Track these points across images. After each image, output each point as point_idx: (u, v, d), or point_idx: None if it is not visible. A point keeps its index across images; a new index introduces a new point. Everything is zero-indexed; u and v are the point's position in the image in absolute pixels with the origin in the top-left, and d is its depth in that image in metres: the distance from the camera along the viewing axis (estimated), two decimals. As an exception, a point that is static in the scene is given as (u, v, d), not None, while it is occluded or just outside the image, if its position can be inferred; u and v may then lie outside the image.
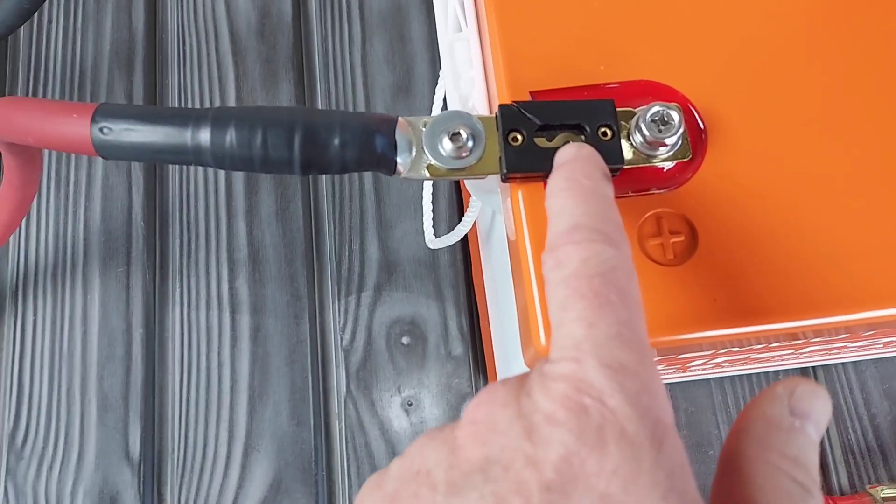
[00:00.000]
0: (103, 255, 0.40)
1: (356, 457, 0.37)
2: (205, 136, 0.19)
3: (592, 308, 0.15)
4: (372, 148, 0.19)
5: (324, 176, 0.41)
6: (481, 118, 0.20)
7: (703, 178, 0.20)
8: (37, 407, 0.37)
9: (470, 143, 0.19)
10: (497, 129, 0.20)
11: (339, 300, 0.39)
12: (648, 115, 0.19)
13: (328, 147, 0.19)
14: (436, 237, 0.35)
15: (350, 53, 0.43)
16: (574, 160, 0.18)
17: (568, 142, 0.20)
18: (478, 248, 0.39)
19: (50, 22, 0.43)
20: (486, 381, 0.38)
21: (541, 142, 0.20)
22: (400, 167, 0.20)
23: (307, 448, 0.37)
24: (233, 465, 0.37)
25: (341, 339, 0.39)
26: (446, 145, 0.19)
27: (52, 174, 0.41)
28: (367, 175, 0.41)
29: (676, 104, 0.20)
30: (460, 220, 0.38)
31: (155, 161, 0.19)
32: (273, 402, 0.38)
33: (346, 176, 0.41)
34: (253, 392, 0.38)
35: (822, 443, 0.38)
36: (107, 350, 0.38)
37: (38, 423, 0.37)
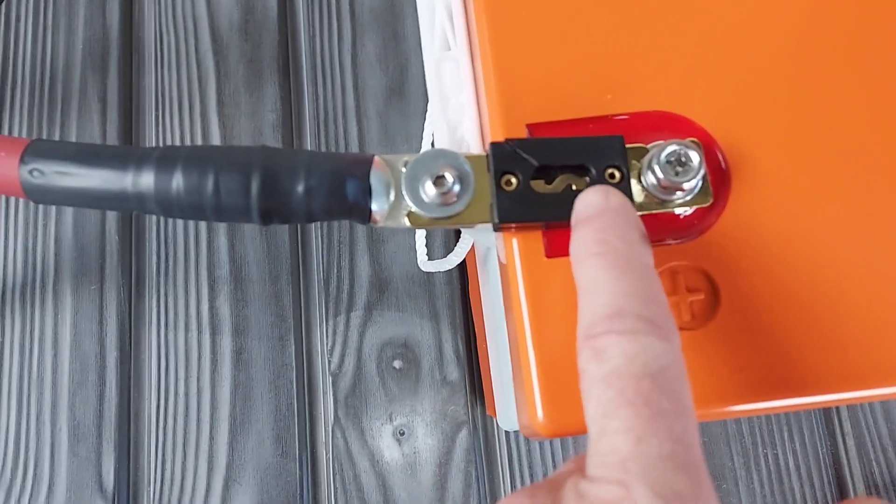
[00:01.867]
0: (75, 271, 0.37)
1: (344, 490, 0.35)
2: (147, 180, 0.16)
3: (641, 418, 0.13)
4: (342, 195, 0.17)
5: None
6: (470, 158, 0.17)
7: (726, 226, 0.17)
8: (4, 436, 0.35)
9: (456, 188, 0.17)
10: (488, 170, 0.17)
11: (326, 320, 0.37)
12: (663, 154, 0.17)
13: (291, 195, 0.16)
14: (429, 258, 0.32)
15: (340, 53, 0.41)
16: (604, 214, 0.15)
17: (570, 185, 0.17)
18: (475, 264, 0.37)
19: (18, 19, 0.41)
20: (483, 409, 0.36)
21: (538, 185, 0.17)
22: (376, 216, 0.17)
23: (292, 480, 0.35)
24: (212, 499, 0.35)
25: (329, 362, 0.36)
26: (429, 190, 0.17)
27: (22, 184, 0.38)
28: (358, 185, 0.38)
29: (695, 140, 0.17)
30: (457, 237, 0.35)
31: (94, 208, 0.17)
32: (256, 430, 0.35)
33: (334, 185, 0.38)
34: (234, 420, 0.36)
35: (843, 475, 0.35)
36: (79, 375, 0.36)
37: (5, 453, 0.35)
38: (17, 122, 0.39)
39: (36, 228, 0.38)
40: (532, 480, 0.35)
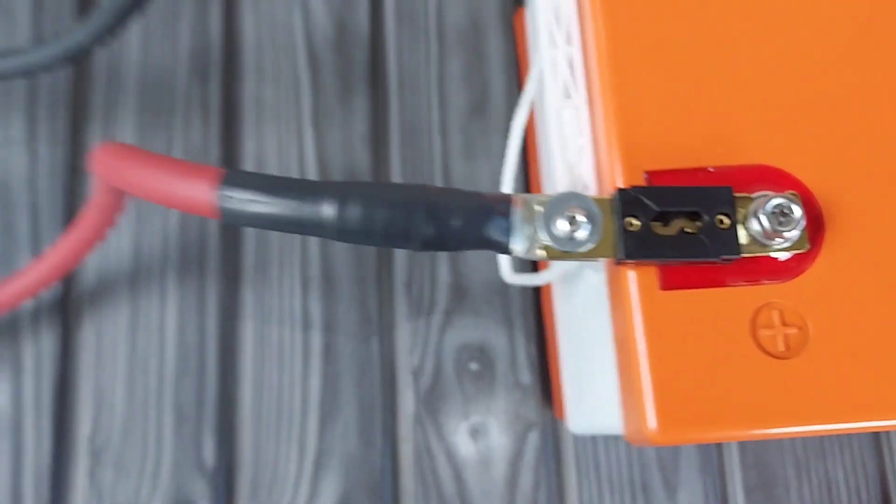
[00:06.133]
0: (179, 266, 0.41)
1: (423, 480, 0.38)
2: (329, 212, 0.19)
3: None
4: (489, 230, 0.20)
5: (396, 195, 0.42)
6: (597, 200, 0.20)
7: (819, 270, 0.20)
8: (114, 416, 0.39)
9: (587, 227, 0.20)
10: (613, 212, 0.20)
11: (409, 322, 0.40)
12: (768, 206, 0.20)
13: (447, 229, 0.19)
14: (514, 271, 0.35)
15: (426, 71, 0.43)
16: None
17: (683, 228, 0.20)
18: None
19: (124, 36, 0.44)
20: (553, 412, 0.39)
21: (656, 227, 0.20)
22: (515, 248, 0.20)
23: (375, 469, 0.38)
24: (303, 482, 0.38)
25: (410, 361, 0.40)
26: (562, 228, 0.20)
27: (131, 183, 0.42)
28: (440, 196, 0.41)
29: (797, 195, 0.20)
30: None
31: (274, 230, 0.20)
32: (343, 421, 0.39)
33: (418, 196, 0.41)
34: (323, 410, 0.39)
35: (888, 490, 0.38)
36: (182, 362, 0.39)
37: (116, 432, 0.39)
38: (124, 126, 0.43)
39: (144, 225, 0.41)
40: (598, 480, 0.38)
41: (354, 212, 0.19)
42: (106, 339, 0.40)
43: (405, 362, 0.40)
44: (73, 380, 0.39)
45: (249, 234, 0.41)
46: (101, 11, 0.32)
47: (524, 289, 0.40)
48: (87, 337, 0.40)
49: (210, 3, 0.44)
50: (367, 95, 0.43)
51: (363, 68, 0.44)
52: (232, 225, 0.21)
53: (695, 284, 0.20)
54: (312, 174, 0.42)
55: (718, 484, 0.38)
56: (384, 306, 0.40)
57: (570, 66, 0.23)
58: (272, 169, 0.42)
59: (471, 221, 0.19)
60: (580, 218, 0.20)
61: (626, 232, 0.20)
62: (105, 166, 0.23)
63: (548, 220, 0.20)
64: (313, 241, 0.41)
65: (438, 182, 0.42)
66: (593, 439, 0.39)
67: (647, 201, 0.20)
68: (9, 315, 0.40)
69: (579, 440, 0.39)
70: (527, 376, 0.39)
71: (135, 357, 0.40)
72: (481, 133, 0.43)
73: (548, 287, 0.39)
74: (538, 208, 0.20)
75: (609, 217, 0.20)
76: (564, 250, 0.20)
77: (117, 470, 0.38)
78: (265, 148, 0.42)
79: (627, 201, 0.20)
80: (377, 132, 0.43)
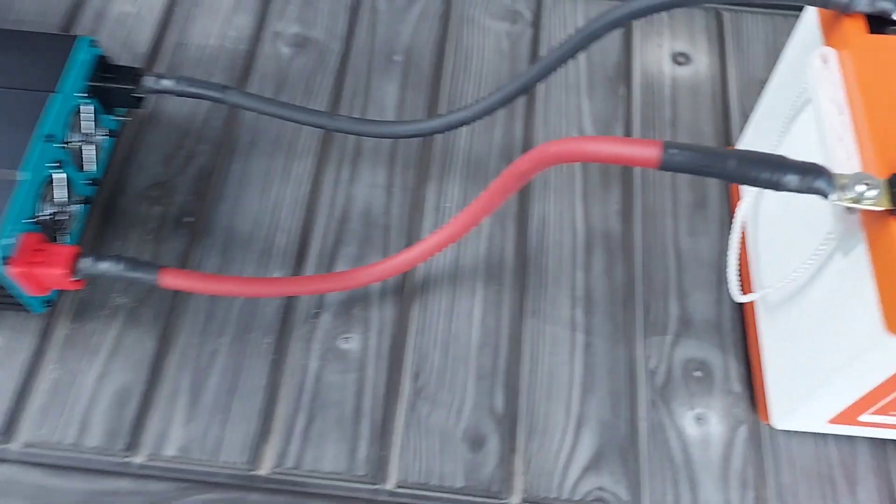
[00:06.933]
0: (485, 276, 0.54)
1: (657, 448, 0.47)
2: (731, 164, 0.33)
3: None
4: (820, 183, 0.33)
5: (638, 253, 0.55)
6: (879, 179, 0.33)
7: None
8: (432, 368, 0.50)
9: (874, 189, 0.33)
10: (889, 185, 0.33)
11: (646, 339, 0.51)
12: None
13: (801, 178, 0.33)
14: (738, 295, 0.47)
15: (662, 174, 0.58)
16: None
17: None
18: (752, 311, 0.51)
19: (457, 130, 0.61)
20: (758, 416, 0.48)
21: (916, 195, 0.33)
22: (832, 196, 0.33)
23: (622, 435, 0.48)
24: (567, 435, 0.48)
25: (647, 364, 0.50)
26: (859, 189, 0.33)
27: (452, 220, 0.56)
28: (671, 255, 0.54)
29: None
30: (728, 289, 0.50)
31: (690, 172, 0.34)
32: (598, 396, 0.49)
33: (658, 255, 0.54)
34: (584, 386, 0.50)
35: None
36: (483, 338, 0.51)
37: (433, 378, 0.50)
38: (453, 185, 0.58)
39: (462, 248, 0.55)
40: (792, 470, 0.47)
41: (750, 167, 0.33)
42: (429, 316, 0.53)
43: (643, 364, 0.51)
44: (404, 339, 0.52)
45: (535, 262, 0.55)
46: (483, 102, 0.48)
47: (735, 324, 0.52)
48: (416, 313, 0.53)
49: (515, 118, 0.62)
50: (621, 186, 0.58)
51: (618, 167, 0.59)
52: (667, 169, 0.34)
53: (938, 232, 0.32)
54: (581, 236, 0.56)
55: (885, 486, 0.46)
56: (628, 324, 0.52)
57: (838, 134, 0.37)
58: (552, 232, 0.56)
59: (814, 176, 0.33)
60: (871, 184, 0.33)
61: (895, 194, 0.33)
62: (569, 147, 0.37)
63: (853, 184, 0.33)
64: (580, 274, 0.54)
65: (670, 249, 0.55)
66: (788, 439, 0.48)
67: (907, 182, 0.33)
68: (363, 290, 0.54)
69: (778, 439, 0.48)
70: (737, 386, 0.49)
71: (449, 330, 0.52)
72: (701, 220, 0.57)
73: (753, 323, 0.51)
74: (842, 180, 0.33)
75: (886, 187, 0.33)
76: (864, 199, 0.33)
77: (432, 404, 0.49)
78: (548, 212, 0.57)
79: (894, 181, 0.33)
80: (626, 210, 0.57)
